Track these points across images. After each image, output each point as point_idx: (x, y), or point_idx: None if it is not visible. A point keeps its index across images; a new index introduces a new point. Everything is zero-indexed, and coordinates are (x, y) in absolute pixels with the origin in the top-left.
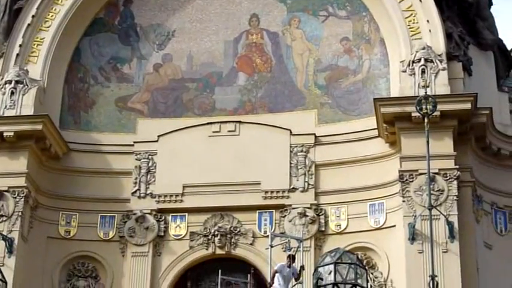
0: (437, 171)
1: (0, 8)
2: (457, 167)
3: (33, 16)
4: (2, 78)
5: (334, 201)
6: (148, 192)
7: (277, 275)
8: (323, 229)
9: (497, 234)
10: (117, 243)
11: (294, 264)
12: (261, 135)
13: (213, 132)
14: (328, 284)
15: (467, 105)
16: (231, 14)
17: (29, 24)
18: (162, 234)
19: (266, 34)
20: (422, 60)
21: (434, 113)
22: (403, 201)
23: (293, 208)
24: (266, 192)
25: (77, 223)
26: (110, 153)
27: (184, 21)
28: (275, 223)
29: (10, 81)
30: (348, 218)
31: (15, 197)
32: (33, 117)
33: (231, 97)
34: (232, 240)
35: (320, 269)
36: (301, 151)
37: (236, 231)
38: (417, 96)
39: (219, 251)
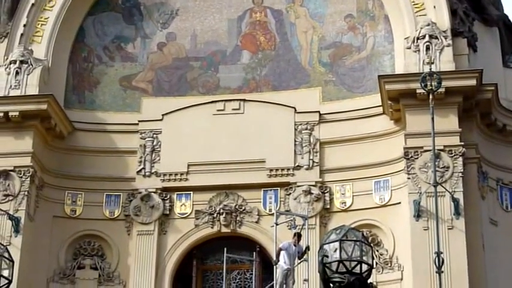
0: (442, 148)
1: None
2: (462, 143)
3: None
4: (7, 58)
5: (339, 179)
6: (153, 171)
7: (282, 252)
8: (328, 207)
9: (503, 211)
10: (123, 221)
11: (300, 243)
12: (266, 113)
13: (218, 110)
14: (334, 261)
15: (473, 82)
16: None
17: (33, 4)
18: (168, 212)
19: (270, 12)
20: (427, 36)
21: (439, 90)
22: (408, 178)
23: (298, 186)
24: (271, 170)
25: (82, 202)
26: (115, 132)
27: None
28: (280, 201)
29: (15, 61)
30: (353, 196)
31: (21, 177)
32: (38, 97)
33: (235, 75)
34: (238, 218)
35: (325, 247)
36: (306, 129)
37: (241, 210)
38: (422, 73)
39: (224, 229)
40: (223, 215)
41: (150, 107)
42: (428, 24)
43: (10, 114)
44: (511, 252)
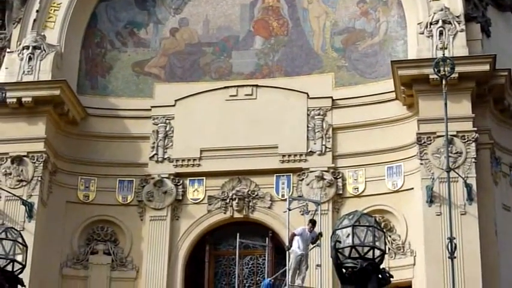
0: (455, 133)
1: None
2: (475, 129)
3: None
4: (20, 44)
5: (352, 164)
6: (166, 156)
7: (296, 238)
8: (341, 192)
9: None
10: (136, 207)
11: (314, 229)
12: (278, 99)
13: (230, 96)
14: (346, 247)
15: (486, 67)
16: None
17: None
18: (180, 198)
19: None
20: (440, 21)
21: (452, 75)
22: (421, 163)
23: (310, 171)
24: (283, 155)
25: (95, 188)
26: (128, 117)
27: None
28: (293, 186)
29: (28, 47)
30: (365, 181)
31: (34, 162)
32: (51, 83)
33: (248, 61)
34: (250, 204)
35: (338, 232)
36: (319, 114)
37: (254, 195)
38: (435, 58)
39: (237, 215)
40: (236, 201)
41: (162, 93)
42: (441, 10)
43: (23, 99)
44: None
